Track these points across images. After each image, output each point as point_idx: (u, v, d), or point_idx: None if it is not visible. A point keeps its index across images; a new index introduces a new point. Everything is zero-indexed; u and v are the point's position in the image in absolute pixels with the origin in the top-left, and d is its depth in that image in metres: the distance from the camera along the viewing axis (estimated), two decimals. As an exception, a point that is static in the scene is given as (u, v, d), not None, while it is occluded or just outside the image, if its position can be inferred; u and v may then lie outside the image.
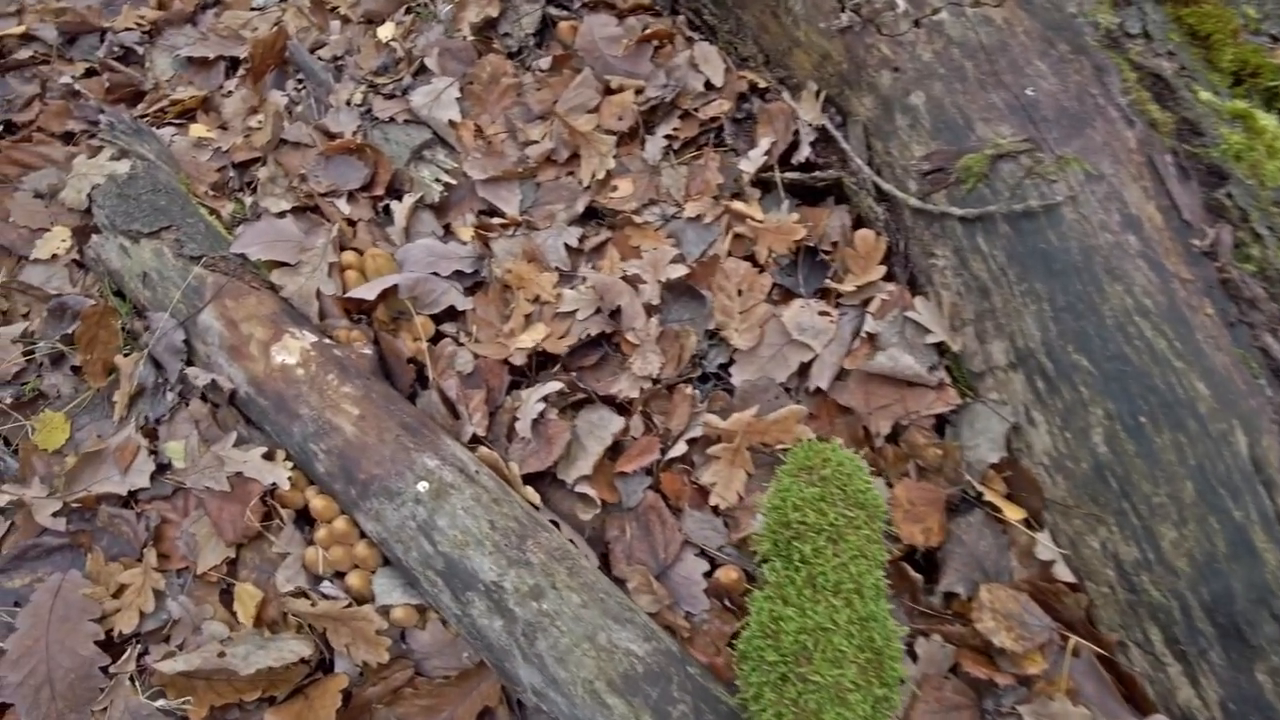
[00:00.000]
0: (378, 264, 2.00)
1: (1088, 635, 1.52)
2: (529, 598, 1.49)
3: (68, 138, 2.60)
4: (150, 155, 2.34)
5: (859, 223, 2.02)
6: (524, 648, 1.47)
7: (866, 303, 1.88)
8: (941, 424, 1.77)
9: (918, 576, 1.64)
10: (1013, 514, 1.62)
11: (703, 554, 1.71)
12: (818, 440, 1.54)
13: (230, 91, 2.81)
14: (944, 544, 1.64)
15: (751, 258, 2.04)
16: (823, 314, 1.88)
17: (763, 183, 2.15)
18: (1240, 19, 1.97)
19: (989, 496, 1.64)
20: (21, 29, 2.95)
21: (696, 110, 2.31)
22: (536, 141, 2.44)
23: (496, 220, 2.31)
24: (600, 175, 2.29)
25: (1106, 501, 1.50)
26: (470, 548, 1.56)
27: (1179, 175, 1.69)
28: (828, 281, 1.92)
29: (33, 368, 2.07)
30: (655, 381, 1.90)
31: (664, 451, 1.80)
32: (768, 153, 2.12)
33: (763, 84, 2.28)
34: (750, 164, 2.13)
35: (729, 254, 2.05)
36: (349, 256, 2.06)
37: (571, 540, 1.69)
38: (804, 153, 2.07)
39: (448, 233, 2.35)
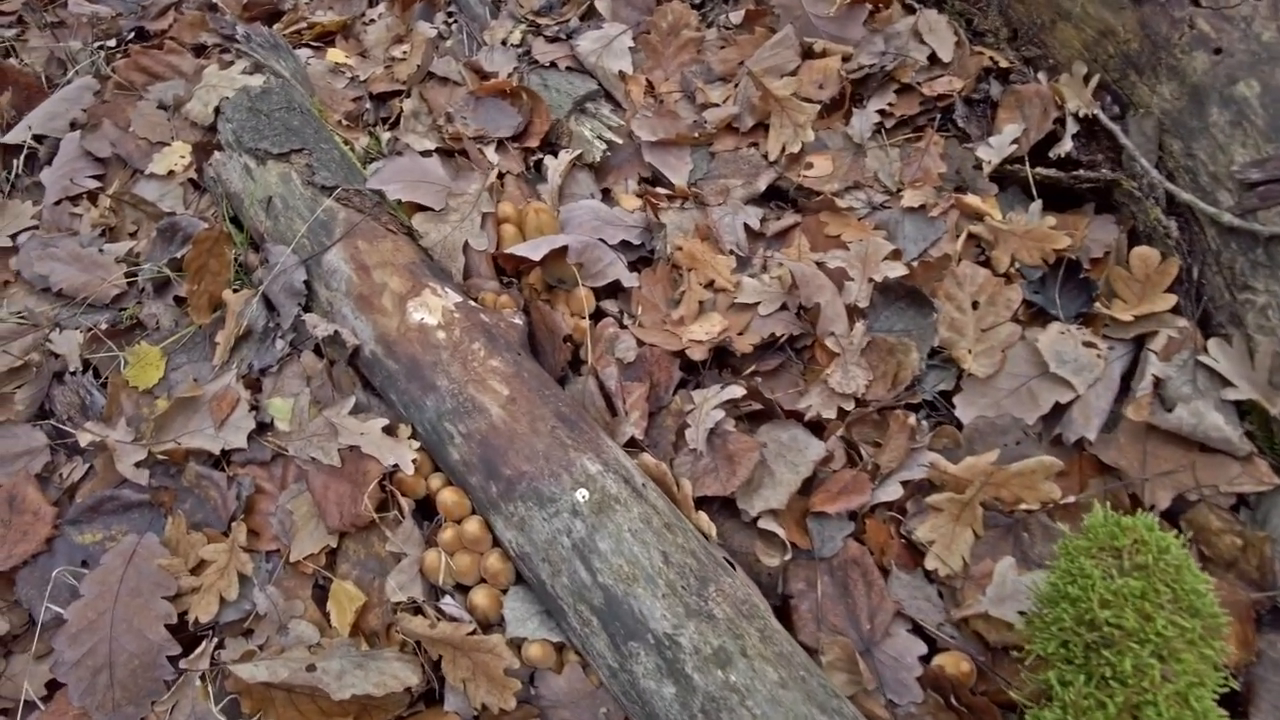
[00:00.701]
0: (540, 220, 1.68)
1: None
2: (712, 664, 1.15)
3: (199, 50, 2.36)
4: (285, 73, 2.08)
5: (1133, 238, 1.62)
6: (702, 729, 1.12)
7: (1144, 338, 1.49)
8: (1237, 505, 1.37)
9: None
10: (1361, 641, 1.21)
11: (916, 630, 1.34)
12: (1117, 513, 1.16)
13: (373, 19, 2.54)
14: (1251, 667, 1.24)
15: (987, 264, 1.67)
16: (1088, 345, 1.49)
17: (999, 177, 1.78)
18: None
19: (1321, 612, 1.23)
20: (163, -66, 2.74)
21: (919, 85, 1.94)
22: (716, 105, 2.10)
23: (661, 190, 1.98)
24: (793, 149, 1.94)
25: None
26: (639, 584, 1.22)
27: None
28: (1099, 305, 1.54)
29: (134, 293, 1.81)
30: (860, 403, 1.54)
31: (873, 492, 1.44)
32: (1016, 142, 1.74)
33: (1003, 63, 1.90)
34: (992, 153, 1.75)
35: (960, 257, 1.68)
36: (506, 208, 1.74)
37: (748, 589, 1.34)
38: (1065, 146, 1.68)
39: (605, 197, 2.03)
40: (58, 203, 1.97)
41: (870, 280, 1.66)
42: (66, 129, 2.11)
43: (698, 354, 1.58)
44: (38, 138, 2.09)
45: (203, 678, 1.37)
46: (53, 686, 1.40)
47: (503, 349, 1.51)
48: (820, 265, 1.71)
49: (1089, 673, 1.01)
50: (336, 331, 1.55)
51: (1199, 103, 1.52)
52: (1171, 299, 1.49)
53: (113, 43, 2.39)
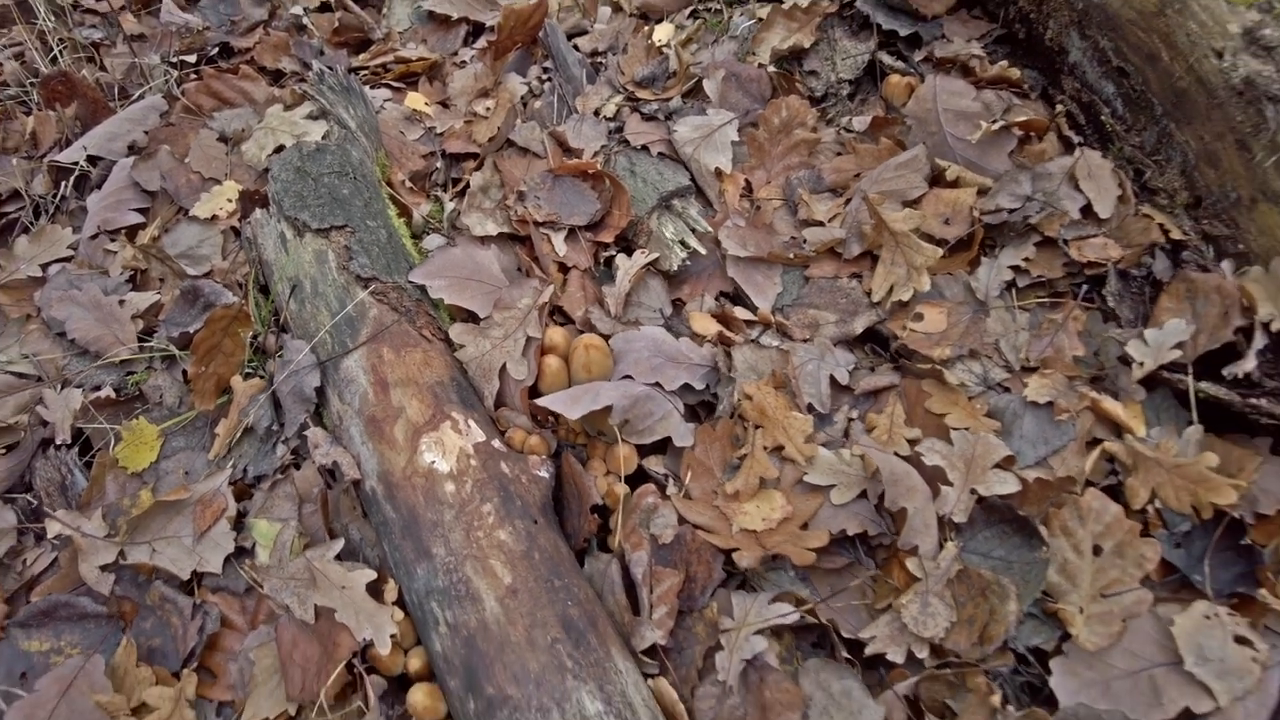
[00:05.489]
0: (590, 359, 1.44)
1: None
2: None
3: (276, 77, 2.22)
4: (351, 123, 1.90)
5: (1319, 502, 1.29)
6: None
7: (1321, 648, 1.16)
8: None
9: None
10: None
11: None
12: None
13: (465, 62, 2.35)
14: None
15: (1119, 495, 1.35)
16: (1241, 642, 1.17)
17: (1150, 381, 1.45)
18: None
19: None
20: (271, -57, 2.62)
21: (1067, 244, 1.63)
22: (821, 223, 1.83)
23: (740, 312, 1.72)
24: (903, 295, 1.65)
25: None
26: None
27: None
28: (1260, 591, 1.21)
29: (144, 357, 1.65)
30: (937, 651, 1.25)
31: (932, 781, 1.16)
32: (1181, 345, 1.41)
33: (1175, 234, 1.57)
34: (1147, 352, 1.43)
35: (1088, 482, 1.37)
36: (555, 336, 1.51)
37: None
38: (1246, 365, 1.35)
39: (676, 312, 1.79)
40: (94, 236, 1.84)
41: (973, 492, 1.36)
42: (124, 152, 1.99)
43: (746, 559, 1.31)
44: (92, 159, 1.97)
45: None
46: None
47: (517, 515, 1.28)
48: (913, 458, 1.42)
49: None
50: (337, 463, 1.35)
51: None
52: (1367, 605, 1.16)
53: (193, 58, 2.27)
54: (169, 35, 2.29)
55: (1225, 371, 1.37)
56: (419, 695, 1.19)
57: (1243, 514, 1.28)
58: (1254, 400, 1.34)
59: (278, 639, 1.29)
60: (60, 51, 2.18)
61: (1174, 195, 1.60)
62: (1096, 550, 1.29)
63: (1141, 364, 1.43)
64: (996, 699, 1.18)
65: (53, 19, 2.21)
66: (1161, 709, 1.16)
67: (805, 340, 1.68)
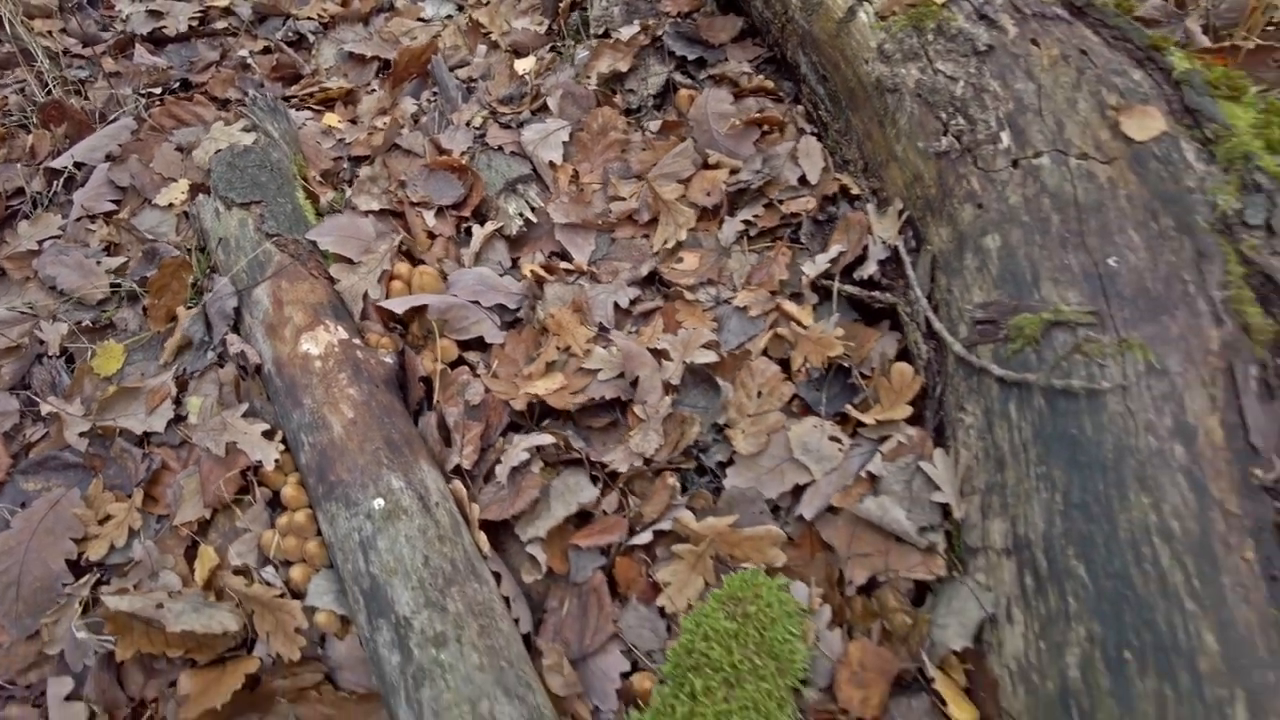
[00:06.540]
0: (423, 281, 2.06)
1: None
2: (431, 643, 1.47)
3: (224, 104, 2.86)
4: (275, 134, 2.54)
5: (904, 355, 1.89)
6: (409, 690, 1.44)
7: (884, 440, 1.76)
8: (923, 591, 1.62)
9: (845, 748, 1.49)
10: (961, 713, 1.44)
11: (630, 652, 1.63)
12: (761, 571, 1.43)
13: (373, 89, 3.01)
14: (881, 721, 1.49)
15: (786, 363, 1.96)
16: (833, 440, 1.77)
17: (824, 290, 2.07)
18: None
19: (941, 685, 1.47)
20: (226, 2, 3.30)
21: (782, 203, 2.26)
22: (624, 199, 2.46)
23: (564, 265, 2.33)
24: (670, 245, 2.28)
25: (1065, 735, 1.31)
26: (396, 576, 1.55)
27: (1260, 391, 1.48)
28: (850, 407, 1.81)
29: (114, 299, 2.26)
30: (647, 462, 1.84)
31: (629, 535, 1.74)
32: (833, 260, 2.03)
33: (856, 190, 2.20)
34: (813, 268, 2.05)
35: (764, 352, 1.98)
36: (402, 268, 2.13)
37: (508, 599, 1.66)
38: (869, 270, 1.97)
39: (514, 265, 2.40)
40: (78, 219, 2.46)
41: (684, 362, 1.97)
42: (103, 159, 2.62)
43: (519, 404, 1.92)
44: (78, 164, 2.60)
45: (81, 603, 1.76)
46: (-22, 595, 1.81)
47: (363, 381, 1.88)
48: (654, 346, 2.03)
49: (677, 689, 1.29)
50: (244, 351, 1.96)
51: (961, 247, 1.79)
52: (909, 410, 1.76)
53: (159, 90, 2.92)
54: (140, 73, 2.94)
55: (855, 275, 1.99)
56: (289, 488, 1.78)
57: (857, 367, 1.89)
58: (873, 294, 1.96)
59: (200, 469, 1.89)
60: (54, 86, 2.83)
61: (854, 163, 2.23)
62: (759, 394, 1.89)
63: (807, 275, 2.04)
64: (673, 480, 1.78)
65: (49, 62, 2.86)
66: (783, 485, 1.75)
67: (608, 283, 2.30)
